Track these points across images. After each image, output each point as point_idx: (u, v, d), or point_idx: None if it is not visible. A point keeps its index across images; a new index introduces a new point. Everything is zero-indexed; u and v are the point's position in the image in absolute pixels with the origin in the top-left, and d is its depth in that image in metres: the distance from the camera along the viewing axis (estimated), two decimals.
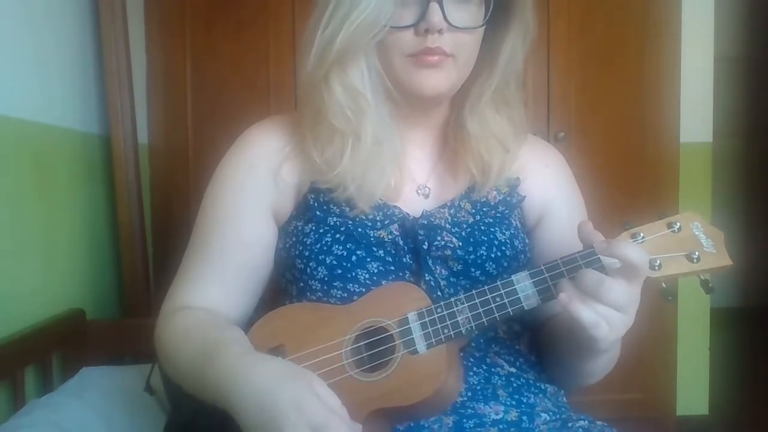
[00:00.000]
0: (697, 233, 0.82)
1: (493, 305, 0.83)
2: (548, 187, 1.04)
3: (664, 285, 0.81)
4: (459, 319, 0.83)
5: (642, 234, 0.81)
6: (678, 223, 0.82)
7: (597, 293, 0.77)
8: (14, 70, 1.41)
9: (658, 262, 0.80)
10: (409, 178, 0.99)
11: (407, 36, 0.88)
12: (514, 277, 0.83)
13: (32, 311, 1.43)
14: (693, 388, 2.48)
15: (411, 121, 0.98)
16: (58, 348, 1.50)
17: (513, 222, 1.00)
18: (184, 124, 2.17)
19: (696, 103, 2.38)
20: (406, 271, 0.93)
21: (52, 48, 1.59)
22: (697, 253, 0.80)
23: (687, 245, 0.81)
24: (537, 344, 1.02)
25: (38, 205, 1.49)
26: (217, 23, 2.16)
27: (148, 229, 2.03)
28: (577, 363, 0.93)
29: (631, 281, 0.79)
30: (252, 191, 0.98)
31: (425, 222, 0.94)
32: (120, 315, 1.90)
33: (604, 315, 0.78)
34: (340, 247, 0.92)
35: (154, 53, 2.17)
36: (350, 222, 0.93)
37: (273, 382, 0.77)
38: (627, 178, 2.27)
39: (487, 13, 0.92)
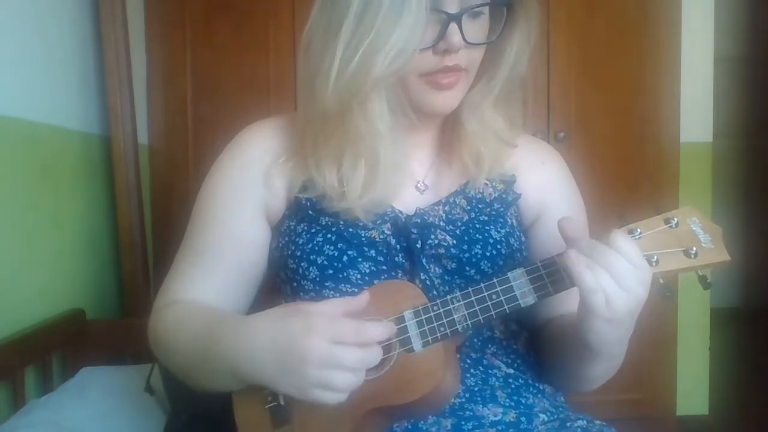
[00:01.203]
0: (694, 228, 0.81)
1: (489, 302, 0.83)
2: (545, 185, 1.04)
3: (661, 281, 0.80)
4: (455, 316, 0.83)
5: (639, 230, 0.81)
6: (675, 219, 0.81)
7: (633, 261, 0.77)
8: (14, 70, 1.41)
9: (656, 257, 0.79)
10: (409, 177, 0.99)
11: (426, 56, 0.87)
12: (510, 274, 0.83)
13: (32, 311, 1.43)
14: (693, 388, 2.49)
15: (411, 125, 0.97)
16: (58, 348, 1.51)
17: (508, 220, 0.99)
18: (184, 124, 2.18)
19: (696, 103, 2.39)
20: (399, 271, 0.93)
21: (52, 48, 1.60)
22: (694, 249, 0.79)
23: (684, 241, 0.80)
24: (535, 344, 1.02)
25: (38, 205, 1.49)
26: (217, 23, 2.16)
27: (148, 229, 2.04)
28: (577, 367, 0.92)
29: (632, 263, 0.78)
30: (245, 190, 0.98)
31: (418, 220, 0.94)
32: (120, 315, 1.90)
33: (604, 286, 0.76)
34: (332, 248, 0.92)
35: (154, 53, 2.17)
36: (342, 222, 0.93)
37: (276, 324, 0.79)
38: (627, 178, 2.28)
39: (499, 25, 0.91)
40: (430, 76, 0.89)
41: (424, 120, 0.96)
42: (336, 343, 0.75)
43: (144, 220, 1.93)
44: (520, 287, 0.82)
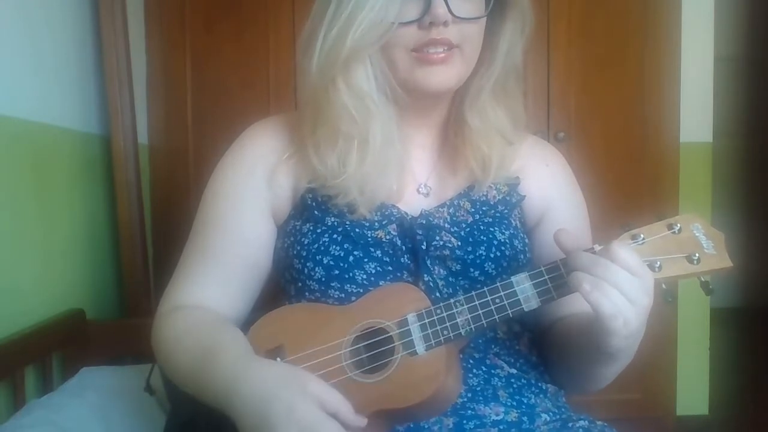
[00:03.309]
0: (697, 234, 0.81)
1: (492, 307, 0.83)
2: (549, 187, 1.04)
3: (664, 286, 0.81)
4: (458, 320, 0.83)
5: (642, 235, 0.81)
6: (678, 225, 0.81)
7: (635, 271, 0.77)
8: (15, 70, 1.41)
9: (658, 263, 0.80)
10: (411, 179, 0.99)
11: (411, 31, 0.88)
12: (513, 279, 0.83)
13: (32, 311, 1.43)
14: (693, 388, 2.49)
15: (413, 122, 0.98)
16: (58, 348, 1.50)
17: (512, 222, 1.00)
18: (184, 124, 2.18)
19: (696, 103, 2.39)
20: (404, 272, 0.93)
21: (52, 48, 1.59)
22: (697, 255, 0.80)
23: (687, 247, 0.81)
24: (537, 344, 1.01)
25: (38, 205, 1.48)
26: (217, 23, 2.16)
27: (148, 229, 2.03)
28: (591, 368, 0.92)
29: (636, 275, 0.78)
30: (251, 190, 0.98)
31: (424, 222, 0.94)
32: (120, 315, 1.90)
33: (620, 307, 0.77)
34: (338, 248, 0.92)
35: (154, 53, 2.17)
36: (348, 222, 0.93)
37: (267, 389, 0.77)
38: (627, 178, 2.28)
39: (489, 1, 0.91)
40: (419, 52, 0.88)
41: (419, 106, 0.96)
42: None
43: (144, 220, 1.93)
44: (524, 292, 0.82)
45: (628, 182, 2.27)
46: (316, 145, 0.93)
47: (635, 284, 0.77)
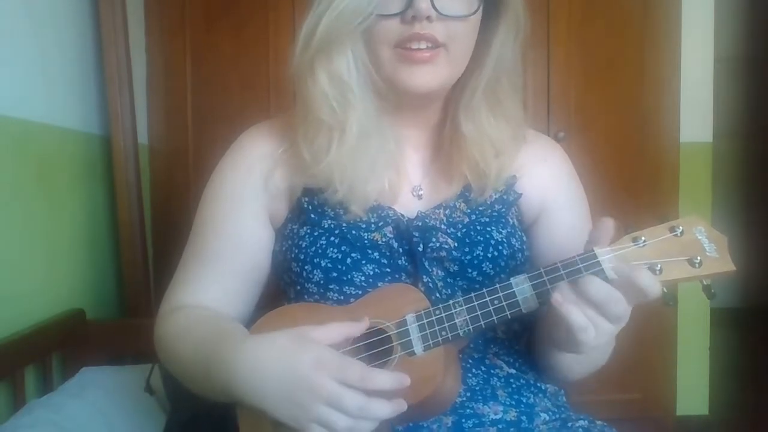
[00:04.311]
0: (699, 237, 0.80)
1: (491, 308, 0.83)
2: (547, 183, 1.02)
3: (665, 290, 0.80)
4: (457, 321, 0.83)
5: (644, 238, 0.80)
6: (680, 228, 0.80)
7: (603, 305, 0.77)
8: (14, 70, 1.41)
9: (659, 266, 0.79)
10: (405, 181, 0.98)
11: (393, 24, 0.87)
12: (513, 281, 0.83)
13: (32, 311, 1.43)
14: (693, 388, 2.49)
15: (403, 121, 0.97)
16: (58, 348, 1.50)
17: (510, 220, 0.99)
18: (184, 124, 2.18)
19: (696, 103, 2.39)
20: (402, 273, 0.93)
21: (52, 48, 1.59)
22: (699, 258, 0.79)
23: (689, 250, 0.79)
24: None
25: (38, 206, 1.49)
26: (217, 23, 2.16)
27: (148, 229, 2.04)
28: (561, 356, 0.93)
29: (631, 301, 0.78)
30: (248, 194, 0.98)
31: (420, 223, 0.93)
32: (120, 315, 1.90)
33: (595, 322, 0.77)
34: (335, 250, 0.92)
35: (154, 53, 2.17)
36: (344, 224, 0.93)
37: (285, 352, 0.77)
38: (627, 178, 2.28)
39: (480, 1, 0.90)
40: (403, 50, 0.87)
41: (406, 104, 0.95)
42: (342, 384, 0.74)
43: (144, 221, 1.93)
44: (523, 293, 0.82)
45: (628, 182, 2.27)
46: (306, 131, 0.93)
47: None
